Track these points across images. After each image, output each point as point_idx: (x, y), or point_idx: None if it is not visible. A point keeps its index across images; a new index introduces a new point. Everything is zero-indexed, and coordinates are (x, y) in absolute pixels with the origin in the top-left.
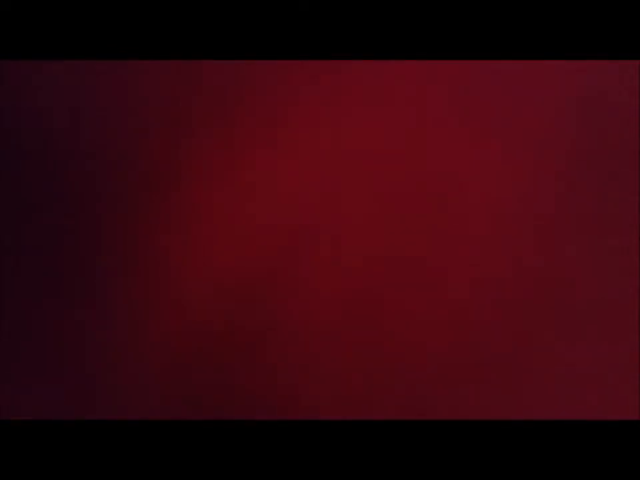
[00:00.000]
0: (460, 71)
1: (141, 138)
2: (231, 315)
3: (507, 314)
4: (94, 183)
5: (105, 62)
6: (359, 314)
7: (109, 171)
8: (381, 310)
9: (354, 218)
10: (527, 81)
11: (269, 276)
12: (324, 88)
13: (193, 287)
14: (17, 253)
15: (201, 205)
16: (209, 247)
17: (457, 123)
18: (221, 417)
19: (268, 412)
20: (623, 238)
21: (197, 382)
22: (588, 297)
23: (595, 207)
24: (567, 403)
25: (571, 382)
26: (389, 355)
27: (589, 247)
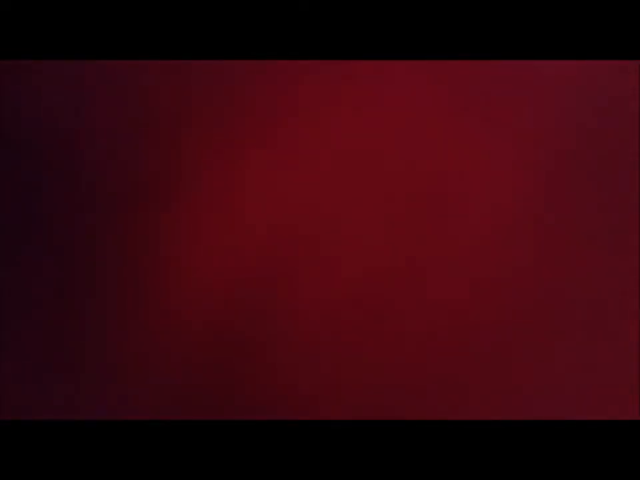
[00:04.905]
0: (460, 71)
1: (141, 138)
2: (230, 316)
3: (506, 315)
4: (93, 182)
5: (105, 62)
6: (359, 314)
7: (108, 170)
8: (380, 310)
9: (353, 219)
10: (527, 81)
11: (268, 277)
12: (323, 88)
13: (192, 287)
14: (17, 254)
15: (199, 206)
16: (209, 248)
17: (456, 124)
18: (221, 417)
19: (268, 412)
20: (623, 238)
21: (197, 382)
22: (588, 296)
23: (595, 207)
24: (567, 403)
25: (570, 382)
26: (389, 355)
27: (588, 246)
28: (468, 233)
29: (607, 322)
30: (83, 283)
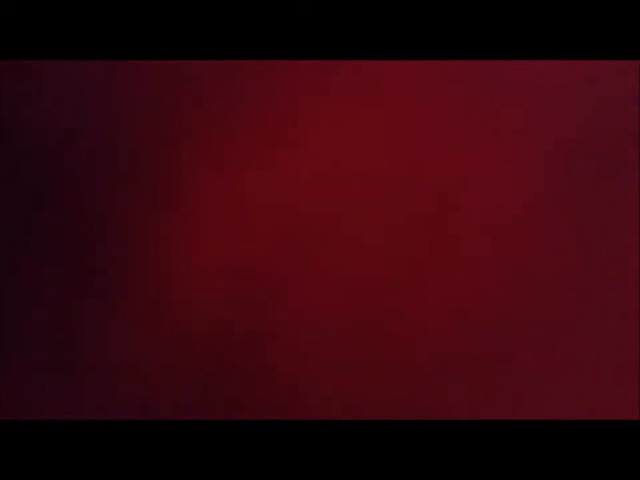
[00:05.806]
0: (459, 71)
1: (142, 137)
2: (230, 316)
3: (507, 314)
4: (94, 182)
5: (105, 62)
6: (359, 314)
7: (109, 170)
8: (381, 309)
9: (353, 219)
10: (527, 81)
11: (268, 277)
12: (323, 88)
13: (193, 287)
14: (17, 253)
15: (199, 206)
16: (209, 248)
17: (456, 123)
18: (221, 417)
19: (268, 412)
20: (623, 238)
21: (197, 382)
22: (588, 297)
23: (595, 207)
24: (567, 402)
25: (570, 382)
26: (389, 355)
27: (589, 246)
28: (468, 232)
29: (606, 322)
30: (83, 282)
